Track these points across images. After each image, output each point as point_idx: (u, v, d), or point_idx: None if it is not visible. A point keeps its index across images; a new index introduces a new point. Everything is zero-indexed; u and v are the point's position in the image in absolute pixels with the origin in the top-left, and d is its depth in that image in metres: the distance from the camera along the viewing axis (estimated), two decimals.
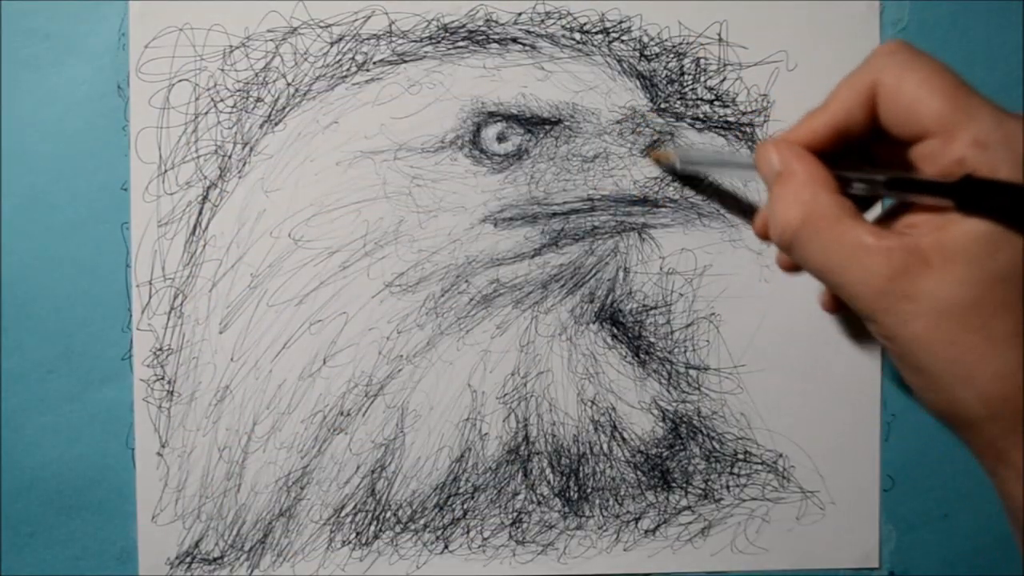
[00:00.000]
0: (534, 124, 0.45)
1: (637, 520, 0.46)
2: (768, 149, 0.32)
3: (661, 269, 0.45)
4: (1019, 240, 0.26)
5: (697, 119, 0.45)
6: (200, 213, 0.45)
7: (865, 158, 0.32)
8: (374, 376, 0.45)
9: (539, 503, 0.45)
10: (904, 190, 0.29)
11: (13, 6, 0.45)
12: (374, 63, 0.45)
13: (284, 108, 0.45)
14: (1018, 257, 0.26)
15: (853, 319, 0.42)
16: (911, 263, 0.27)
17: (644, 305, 0.45)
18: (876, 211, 0.34)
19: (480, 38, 0.45)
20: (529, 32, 0.45)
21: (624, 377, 0.45)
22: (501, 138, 0.45)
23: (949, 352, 0.27)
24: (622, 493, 0.46)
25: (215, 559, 0.45)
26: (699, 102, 0.45)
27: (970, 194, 0.26)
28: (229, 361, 0.45)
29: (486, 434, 0.45)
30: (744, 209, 0.45)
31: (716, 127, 0.45)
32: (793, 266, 0.35)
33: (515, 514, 0.45)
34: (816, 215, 0.29)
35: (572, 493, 0.45)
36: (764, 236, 0.35)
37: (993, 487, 0.46)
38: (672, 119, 0.45)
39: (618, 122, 0.45)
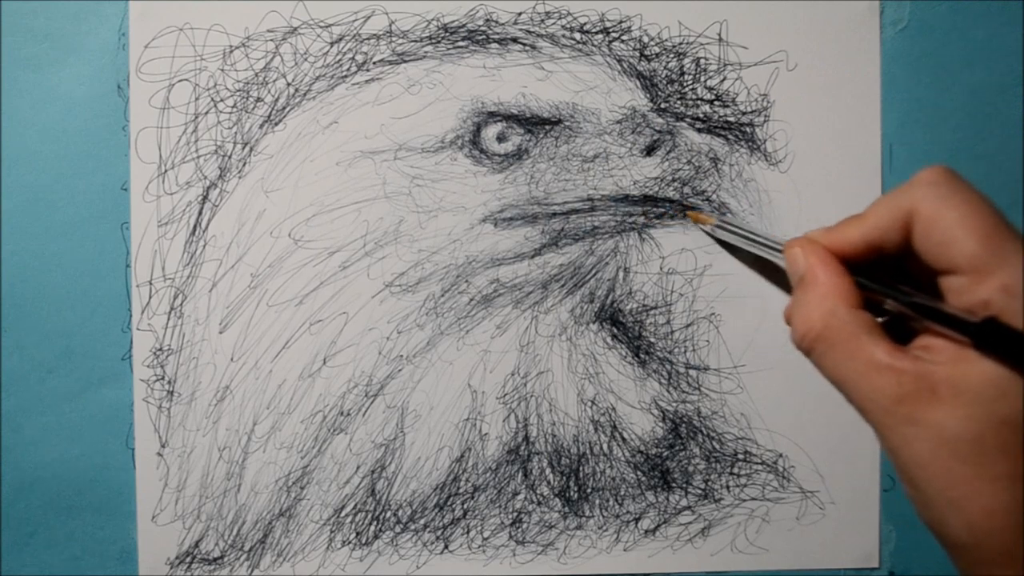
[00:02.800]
0: (534, 124, 0.45)
1: (637, 520, 0.46)
2: (796, 250, 0.32)
3: (661, 269, 0.45)
4: None
5: (697, 119, 0.45)
6: (200, 213, 0.45)
7: (896, 269, 0.33)
8: (374, 376, 0.45)
9: (539, 503, 0.45)
10: (925, 317, 0.29)
11: (13, 6, 0.45)
12: (374, 63, 0.45)
13: (284, 108, 0.45)
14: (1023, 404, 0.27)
15: None
16: (920, 390, 0.28)
17: (644, 305, 0.45)
18: None
19: (480, 38, 0.45)
20: (529, 32, 0.45)
21: (624, 377, 0.45)
22: (501, 138, 0.45)
23: (945, 479, 0.28)
24: (622, 493, 0.46)
25: (215, 559, 0.45)
26: (699, 102, 0.45)
27: (990, 336, 0.27)
28: (229, 361, 0.45)
29: (486, 434, 0.45)
30: (778, 281, 0.45)
31: (716, 127, 0.45)
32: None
33: (515, 514, 0.45)
34: (834, 327, 0.30)
35: (572, 493, 0.45)
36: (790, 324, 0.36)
37: None
38: (672, 119, 0.45)
39: (618, 122, 0.45)
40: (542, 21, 0.45)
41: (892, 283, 0.31)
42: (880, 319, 0.31)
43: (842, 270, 0.31)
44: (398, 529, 0.45)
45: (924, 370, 0.28)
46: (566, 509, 0.45)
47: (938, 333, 0.29)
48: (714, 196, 0.45)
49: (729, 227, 0.43)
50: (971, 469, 0.27)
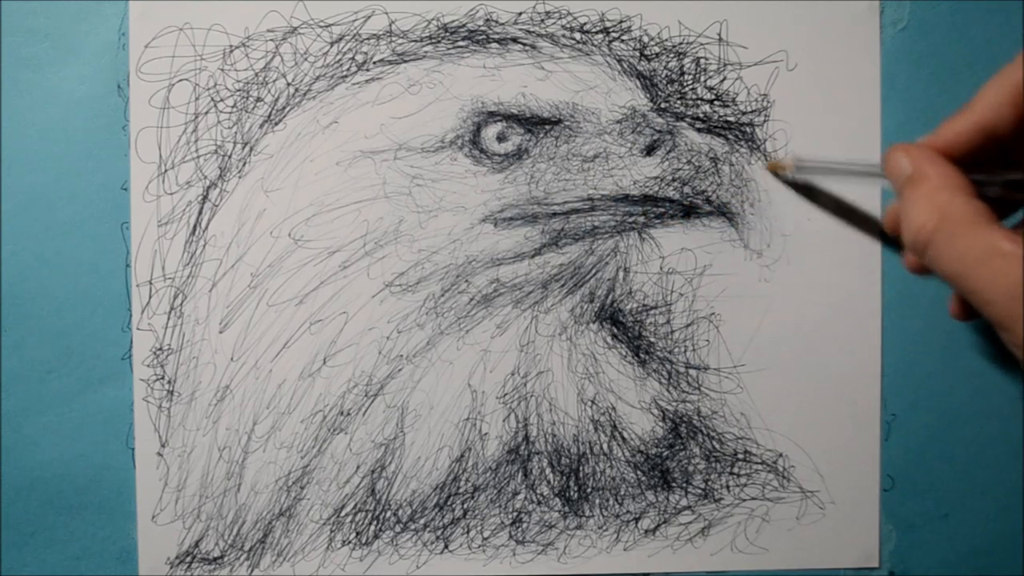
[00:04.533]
0: (534, 124, 0.45)
1: (637, 520, 0.46)
2: (899, 153, 0.31)
3: (661, 269, 0.45)
4: None
5: (697, 119, 0.45)
6: (200, 213, 0.45)
7: (1002, 161, 0.32)
8: (374, 376, 0.45)
9: (539, 503, 0.45)
10: None
11: (13, 6, 0.45)
12: (374, 63, 0.45)
13: (284, 108, 0.45)
14: None
15: (989, 334, 0.41)
16: None
17: (644, 305, 0.45)
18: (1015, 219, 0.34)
19: (480, 38, 0.45)
20: (529, 32, 0.45)
21: (624, 377, 0.45)
22: (501, 138, 0.45)
23: None
24: (622, 493, 0.46)
25: (215, 559, 0.45)
26: (699, 102, 0.45)
27: None
28: (229, 361, 0.45)
29: (486, 434, 0.45)
30: (863, 220, 0.44)
31: (716, 127, 0.45)
32: (921, 268, 0.35)
33: (515, 514, 0.45)
34: (951, 219, 0.29)
35: (572, 493, 0.45)
36: (895, 232, 0.34)
37: (994, 485, 0.46)
38: (672, 119, 0.45)
39: (618, 122, 0.45)
40: (542, 21, 0.45)
41: (1000, 171, 0.30)
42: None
43: (950, 163, 0.30)
44: (398, 529, 0.45)
45: None
46: (566, 509, 0.45)
47: None
48: (714, 196, 0.45)
49: (812, 165, 0.41)
50: None
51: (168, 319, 0.45)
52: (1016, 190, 0.29)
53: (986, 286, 0.28)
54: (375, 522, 0.45)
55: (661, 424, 0.45)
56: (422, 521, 0.45)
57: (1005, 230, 0.28)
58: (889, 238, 0.35)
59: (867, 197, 0.45)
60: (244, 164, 0.45)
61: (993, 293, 0.27)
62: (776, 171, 0.44)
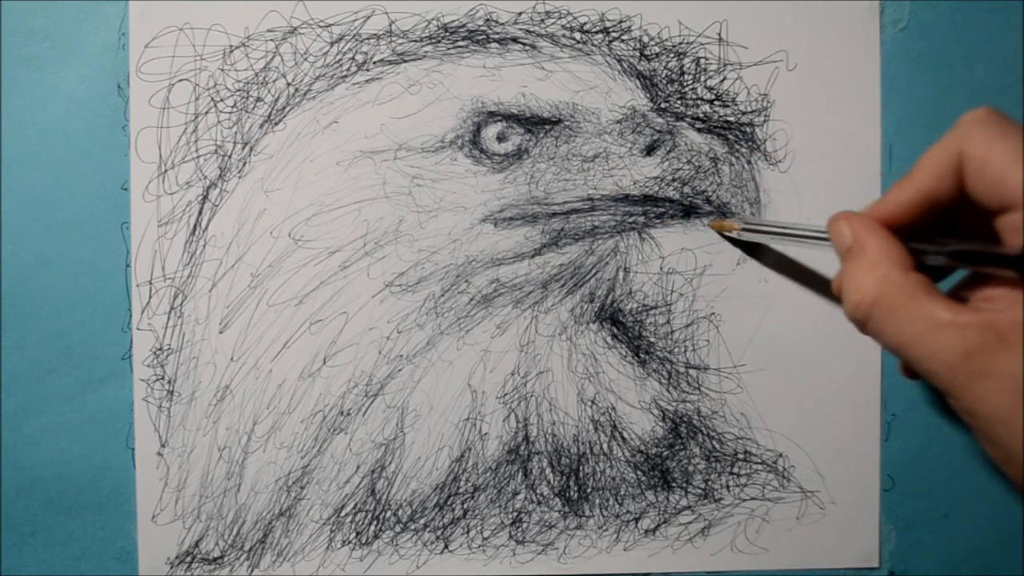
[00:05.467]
0: (534, 124, 0.45)
1: (637, 520, 0.46)
2: (841, 223, 0.32)
3: (661, 269, 0.45)
4: None
5: (697, 119, 0.45)
6: (200, 213, 0.45)
7: (946, 226, 0.32)
8: (374, 376, 0.45)
9: (539, 503, 0.45)
10: (975, 263, 0.29)
11: (13, 6, 0.45)
12: (374, 63, 0.45)
13: (284, 108, 0.45)
14: None
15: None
16: (988, 340, 0.27)
17: (644, 305, 0.45)
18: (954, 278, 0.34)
19: (480, 38, 0.45)
20: (529, 32, 0.45)
21: (624, 377, 0.45)
22: (501, 138, 0.45)
23: None
24: (622, 493, 0.46)
25: (215, 559, 0.45)
26: (699, 102, 0.45)
27: None
28: (229, 361, 0.45)
29: (486, 434, 0.45)
30: (810, 279, 0.45)
31: (716, 127, 0.45)
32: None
33: (515, 514, 0.45)
34: (889, 292, 0.29)
35: (572, 493, 0.45)
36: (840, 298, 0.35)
37: (994, 485, 0.46)
38: (672, 119, 0.45)
39: (618, 122, 0.45)
40: (542, 21, 0.45)
41: (939, 239, 0.30)
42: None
43: (889, 235, 0.30)
44: (398, 529, 0.45)
45: (988, 320, 0.27)
46: (566, 509, 0.45)
47: (997, 281, 0.28)
48: (714, 196, 0.45)
49: (757, 227, 0.42)
50: None
51: (168, 319, 0.45)
52: (960, 260, 0.29)
53: (928, 357, 0.28)
54: (375, 522, 0.45)
55: (661, 424, 0.45)
56: (422, 521, 0.45)
57: (944, 299, 0.28)
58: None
59: (863, 196, 0.45)
60: (244, 164, 0.45)
61: (935, 364, 0.28)
62: (721, 231, 0.44)
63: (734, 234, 0.44)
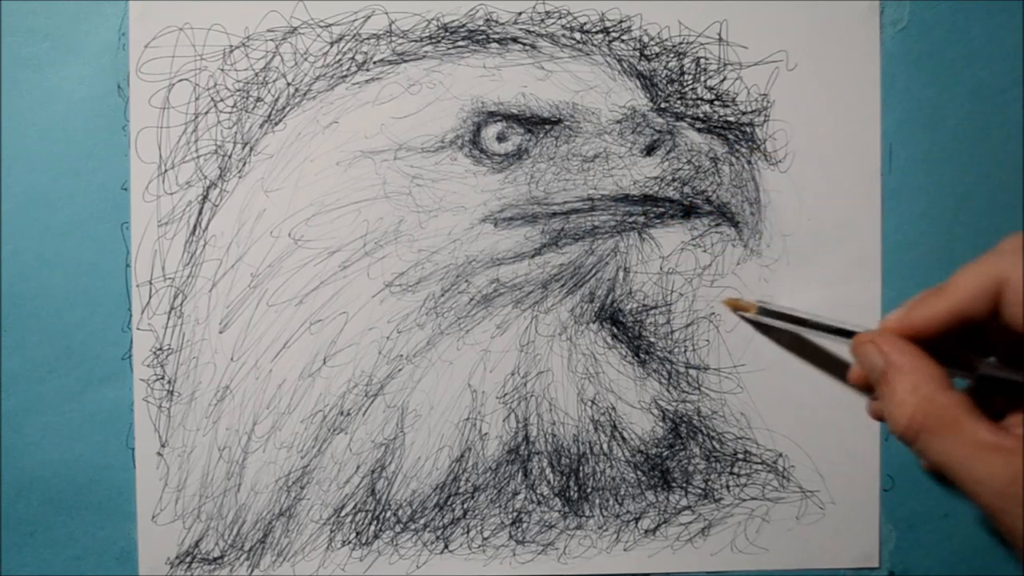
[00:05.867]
0: (534, 124, 0.45)
1: (637, 520, 0.46)
2: (868, 347, 0.32)
3: (661, 269, 0.45)
4: None
5: (697, 119, 0.45)
6: (200, 213, 0.45)
7: (972, 338, 0.32)
8: (374, 376, 0.45)
9: (539, 503, 0.45)
10: (1005, 392, 0.29)
11: (13, 6, 0.45)
12: (374, 63, 0.45)
13: (284, 108, 0.45)
14: None
15: None
16: None
17: (644, 305, 0.45)
18: None
19: (480, 38, 0.45)
20: (529, 32, 0.45)
21: (624, 377, 0.45)
22: (501, 138, 0.45)
23: None
24: (622, 493, 0.46)
25: (215, 559, 0.45)
26: (699, 102, 0.45)
27: None
28: (229, 361, 0.45)
29: (486, 434, 0.45)
30: (826, 362, 0.45)
31: (716, 127, 0.45)
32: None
33: (515, 514, 0.45)
34: (933, 415, 0.29)
35: (572, 493, 0.45)
36: (859, 389, 0.36)
37: None
38: (672, 119, 0.45)
39: (618, 122, 0.45)
40: (542, 21, 0.45)
41: (970, 356, 0.31)
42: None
43: (923, 353, 0.31)
44: (398, 529, 0.45)
45: None
46: (566, 509, 0.45)
47: None
48: (714, 196, 0.45)
49: (774, 310, 0.42)
50: None
51: (168, 319, 0.45)
52: (991, 384, 0.30)
53: (974, 481, 0.29)
54: (375, 522, 0.45)
55: (661, 424, 0.45)
56: (422, 521, 0.45)
57: (987, 423, 0.29)
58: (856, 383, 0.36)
59: (863, 195, 0.45)
60: (244, 164, 0.45)
61: (980, 487, 0.28)
62: (735, 310, 0.44)
63: (749, 315, 0.44)
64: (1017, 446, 0.28)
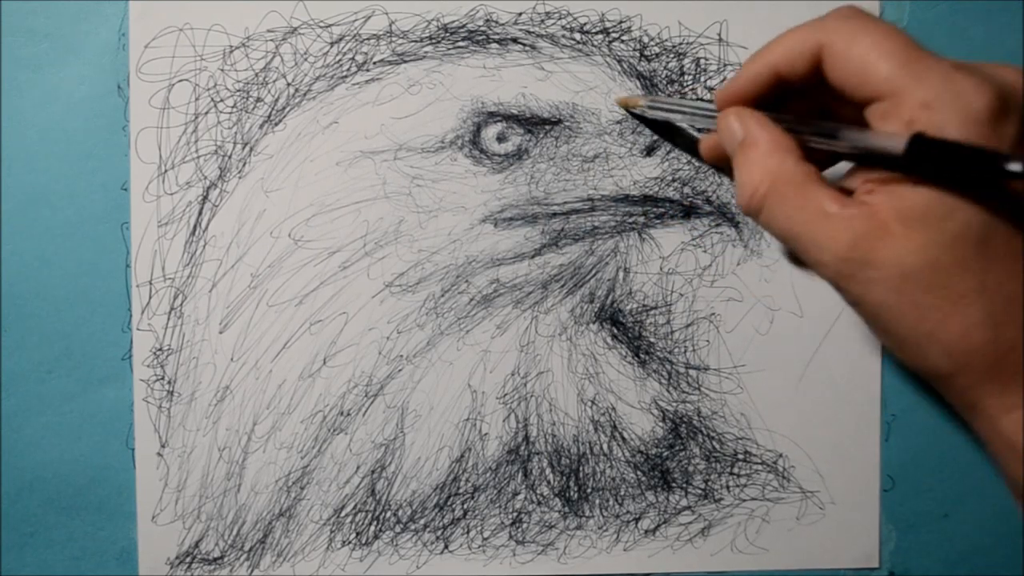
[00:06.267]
0: (534, 124, 0.45)
1: (637, 520, 0.46)
2: (730, 117, 0.32)
3: (661, 269, 0.45)
4: (971, 199, 0.27)
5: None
6: (200, 213, 0.45)
7: (824, 118, 0.32)
8: (374, 376, 0.45)
9: (539, 503, 0.45)
10: (855, 157, 0.29)
11: (13, 6, 0.45)
12: (374, 63, 0.45)
13: (284, 108, 0.45)
14: (972, 216, 0.27)
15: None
16: (871, 230, 0.27)
17: (644, 305, 0.45)
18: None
19: (480, 38, 0.45)
20: (529, 32, 0.45)
21: (624, 377, 0.45)
22: (501, 138, 0.45)
23: (913, 314, 0.27)
24: (622, 493, 0.46)
25: (215, 559, 0.45)
26: (699, 102, 0.45)
27: (920, 156, 0.27)
28: (229, 361, 0.45)
29: (486, 434, 0.45)
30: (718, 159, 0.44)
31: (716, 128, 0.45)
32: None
33: (515, 514, 0.45)
34: (781, 182, 0.30)
35: (572, 493, 0.45)
36: (711, 162, 0.37)
37: (994, 485, 0.46)
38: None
39: (618, 122, 0.45)
40: (542, 21, 0.45)
41: (818, 122, 0.31)
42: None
43: (776, 125, 0.31)
44: (398, 529, 0.45)
45: (871, 211, 0.28)
46: (566, 509, 0.45)
47: (877, 171, 0.29)
48: (714, 196, 0.45)
49: (660, 105, 0.42)
50: (937, 295, 0.27)
51: (168, 319, 0.45)
52: (832, 145, 0.30)
53: (815, 247, 0.29)
54: (375, 522, 0.45)
55: (661, 424, 0.45)
56: (422, 521, 0.45)
57: (832, 192, 0.29)
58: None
59: None
60: (244, 164, 0.45)
61: (823, 254, 0.28)
62: (627, 106, 0.44)
63: (639, 110, 0.43)
64: (858, 212, 0.28)
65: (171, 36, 0.44)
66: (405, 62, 0.45)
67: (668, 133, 0.44)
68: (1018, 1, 0.45)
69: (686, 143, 0.44)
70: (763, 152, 0.30)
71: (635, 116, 0.44)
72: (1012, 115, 0.27)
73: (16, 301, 0.45)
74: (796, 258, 0.37)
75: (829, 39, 0.30)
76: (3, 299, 0.45)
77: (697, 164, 0.45)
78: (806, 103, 0.33)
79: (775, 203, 0.30)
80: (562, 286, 0.45)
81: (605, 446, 0.45)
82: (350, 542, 0.45)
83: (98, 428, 0.45)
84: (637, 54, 0.45)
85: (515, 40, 0.45)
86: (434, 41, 0.45)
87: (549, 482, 0.45)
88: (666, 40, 0.45)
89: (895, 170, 0.28)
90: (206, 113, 0.44)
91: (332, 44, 0.45)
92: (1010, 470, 0.29)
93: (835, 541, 0.46)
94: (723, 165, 0.36)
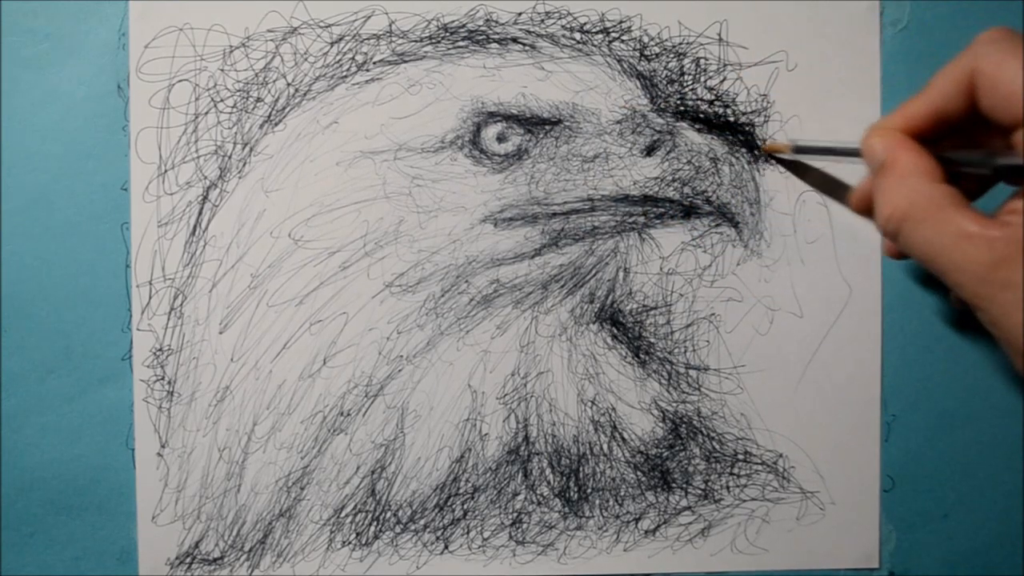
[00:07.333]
0: (534, 124, 0.45)
1: (637, 520, 0.46)
2: (874, 139, 0.32)
3: (661, 269, 0.45)
4: None
5: (697, 119, 0.45)
6: (200, 213, 0.45)
7: (971, 147, 0.32)
8: (374, 376, 0.45)
9: (539, 503, 0.45)
10: (1004, 175, 0.29)
11: (13, 6, 0.45)
12: (374, 63, 0.45)
13: (284, 108, 0.45)
14: None
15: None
16: (1013, 253, 0.27)
17: (644, 305, 0.45)
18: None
19: (480, 38, 0.45)
20: (529, 32, 0.45)
21: (624, 377, 0.45)
22: (501, 138, 0.45)
23: None
24: (622, 493, 0.46)
25: (215, 559, 0.45)
26: (699, 102, 0.45)
27: None
28: (229, 361, 0.45)
29: (486, 434, 0.45)
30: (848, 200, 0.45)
31: (716, 127, 0.45)
32: (898, 254, 0.36)
33: (515, 514, 0.45)
34: (920, 204, 0.30)
35: (572, 493, 0.45)
36: (861, 212, 0.36)
37: (994, 485, 0.46)
38: (672, 119, 0.45)
39: (618, 122, 0.45)
40: (542, 21, 0.45)
41: (967, 150, 0.31)
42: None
43: (920, 148, 0.31)
44: (398, 529, 0.45)
45: (1015, 233, 0.27)
46: (566, 509, 0.45)
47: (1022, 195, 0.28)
48: (714, 196, 0.45)
49: (806, 147, 0.42)
50: None
51: (168, 320, 0.45)
52: (979, 168, 0.30)
53: (954, 268, 0.29)
54: (375, 523, 0.45)
55: (661, 425, 0.45)
56: (422, 522, 0.45)
57: (973, 212, 0.29)
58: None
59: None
60: (244, 164, 0.45)
61: (962, 276, 0.28)
62: (773, 153, 0.44)
63: (787, 155, 0.44)
64: (1000, 233, 0.27)
65: (171, 36, 0.44)
66: (405, 62, 0.45)
67: (802, 173, 0.45)
68: (1018, 1, 0.45)
69: (826, 185, 0.45)
70: (903, 173, 0.30)
71: (779, 160, 0.45)
72: None
73: (16, 301, 0.45)
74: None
75: (979, 64, 0.29)
76: (3, 299, 0.45)
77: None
78: (959, 139, 0.33)
79: (913, 225, 0.30)
80: (562, 286, 0.45)
81: (605, 446, 0.45)
82: (350, 542, 0.45)
83: (98, 428, 0.45)
84: (637, 54, 0.45)
85: (515, 40, 0.45)
86: (434, 41, 0.45)
87: (549, 482, 0.45)
88: (666, 40, 0.45)
89: None
90: (206, 113, 0.44)
91: (332, 44, 0.45)
92: None
93: (835, 541, 0.46)
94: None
